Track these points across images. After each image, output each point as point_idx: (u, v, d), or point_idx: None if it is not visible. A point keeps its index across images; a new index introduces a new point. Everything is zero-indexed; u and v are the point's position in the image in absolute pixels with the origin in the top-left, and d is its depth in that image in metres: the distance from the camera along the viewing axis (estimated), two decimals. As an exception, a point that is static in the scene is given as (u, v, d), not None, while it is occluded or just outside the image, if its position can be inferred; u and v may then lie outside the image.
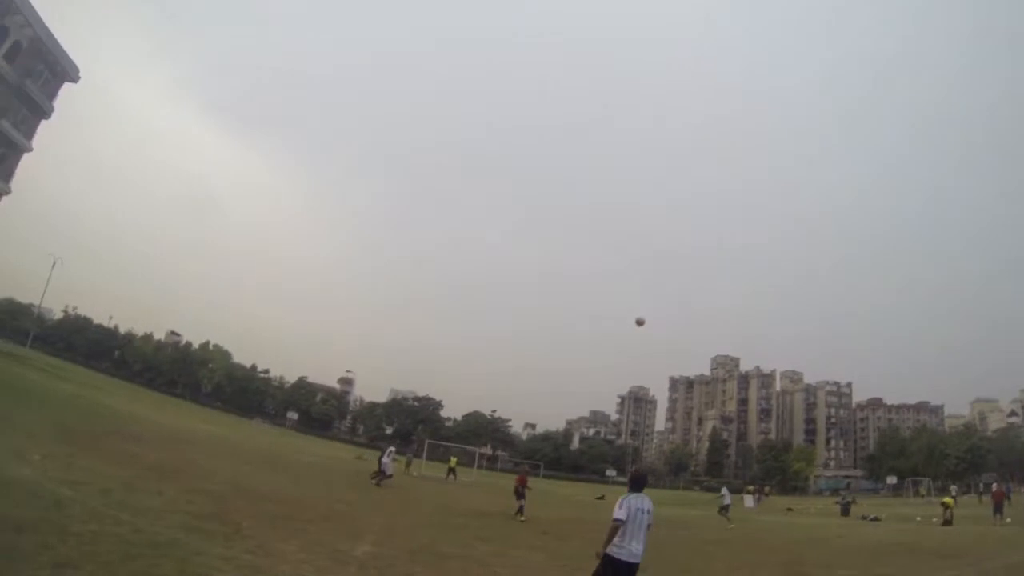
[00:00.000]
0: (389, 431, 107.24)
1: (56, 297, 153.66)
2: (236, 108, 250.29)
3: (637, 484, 7.08)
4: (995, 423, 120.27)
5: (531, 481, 22.08)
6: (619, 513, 6.46)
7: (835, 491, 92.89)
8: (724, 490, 29.04)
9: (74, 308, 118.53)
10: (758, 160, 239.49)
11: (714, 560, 13.83)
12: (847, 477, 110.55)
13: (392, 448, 27.20)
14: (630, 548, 6.37)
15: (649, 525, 6.61)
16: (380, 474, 23.14)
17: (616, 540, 6.44)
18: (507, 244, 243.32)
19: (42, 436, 13.19)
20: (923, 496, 52.52)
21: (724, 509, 26.47)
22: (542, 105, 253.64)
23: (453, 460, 38.19)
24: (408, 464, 37.14)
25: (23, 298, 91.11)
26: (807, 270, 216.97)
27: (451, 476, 35.34)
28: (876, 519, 30.79)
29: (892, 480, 79.14)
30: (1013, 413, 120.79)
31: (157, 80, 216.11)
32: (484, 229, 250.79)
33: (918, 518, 30.13)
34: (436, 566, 8.90)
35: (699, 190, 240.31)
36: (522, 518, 17.98)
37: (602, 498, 33.40)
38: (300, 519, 10.67)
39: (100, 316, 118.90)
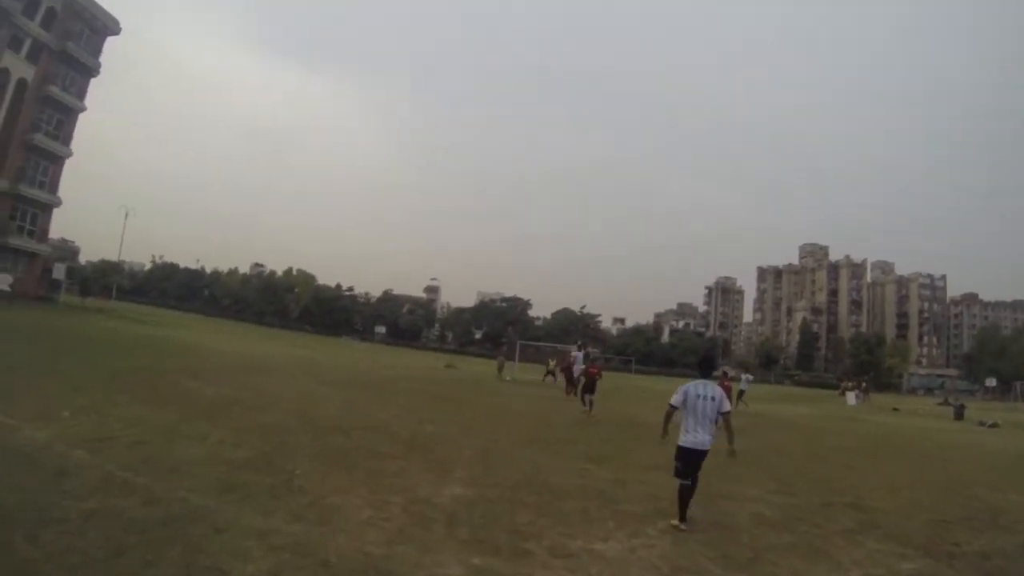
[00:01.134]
0: (478, 335, 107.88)
1: (144, 250, 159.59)
2: (289, 43, 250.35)
3: (704, 369, 7.39)
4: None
5: (623, 378, 23.22)
6: (675, 399, 6.78)
7: (929, 390, 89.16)
8: (744, 376, 29.18)
9: (160, 257, 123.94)
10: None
11: (859, 474, 11.56)
12: (941, 376, 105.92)
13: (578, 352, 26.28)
14: (694, 435, 6.63)
15: (724, 413, 6.81)
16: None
17: (685, 427, 6.72)
18: (585, 137, 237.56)
19: (90, 386, 11.62)
20: None
21: (740, 395, 26.61)
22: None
23: (552, 363, 36.47)
24: (500, 368, 35.73)
25: (114, 256, 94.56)
26: (897, 156, 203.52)
27: (550, 378, 34.07)
28: (995, 425, 28.24)
29: (992, 382, 74.18)
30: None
31: (206, 26, 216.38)
32: (562, 126, 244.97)
33: None
34: (549, 512, 6.76)
35: (779, 74, 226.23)
36: (590, 412, 18.06)
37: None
38: (374, 453, 8.86)
39: (188, 261, 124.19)
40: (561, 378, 29.14)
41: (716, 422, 6.81)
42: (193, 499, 5.85)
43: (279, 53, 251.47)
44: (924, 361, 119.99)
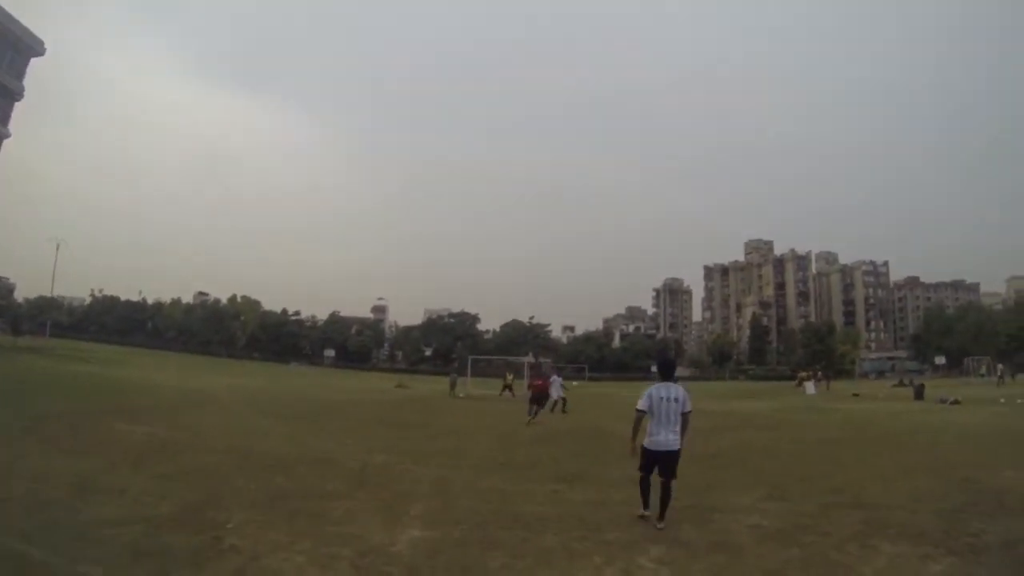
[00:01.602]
0: (428, 352, 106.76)
1: (83, 284, 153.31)
2: (230, 66, 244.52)
3: (664, 371, 7.48)
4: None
5: (581, 385, 22.37)
6: (641, 403, 6.94)
7: (880, 373, 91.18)
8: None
9: (100, 290, 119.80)
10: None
11: (846, 467, 10.99)
12: (891, 359, 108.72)
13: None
14: (658, 438, 6.80)
15: (684, 413, 6.90)
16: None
17: (650, 429, 6.87)
18: (520, 148, 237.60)
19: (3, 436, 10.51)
20: (983, 376, 48.96)
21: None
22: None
23: (509, 376, 35.42)
24: (453, 386, 34.78)
25: (50, 291, 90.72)
26: (833, 148, 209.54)
27: (507, 393, 32.85)
28: (956, 401, 28.18)
29: (941, 360, 75.93)
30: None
31: (142, 48, 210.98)
32: (502, 136, 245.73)
33: (1002, 399, 28.15)
34: (525, 551, 5.84)
35: (717, 74, 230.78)
36: (537, 420, 19.08)
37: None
38: (319, 492, 7.81)
39: (130, 293, 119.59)
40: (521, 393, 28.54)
41: (685, 417, 7.00)
42: (95, 574, 4.77)
43: (220, 77, 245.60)
44: (873, 345, 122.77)
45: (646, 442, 6.91)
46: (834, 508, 7.71)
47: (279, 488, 8.01)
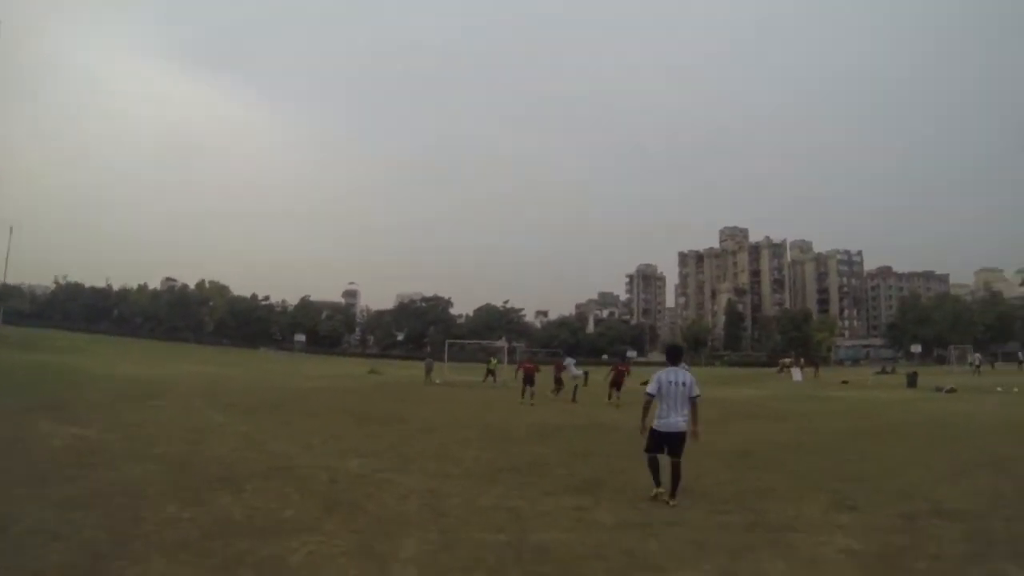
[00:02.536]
0: (400, 337, 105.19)
1: (47, 272, 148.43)
2: (197, 50, 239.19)
3: (672, 357, 7.75)
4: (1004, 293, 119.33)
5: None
6: (650, 388, 7.21)
7: (855, 360, 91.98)
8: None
9: (64, 277, 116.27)
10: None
11: (896, 466, 9.80)
12: (866, 346, 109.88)
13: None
14: (667, 420, 7.02)
15: (693, 397, 7.11)
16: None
17: (659, 412, 7.09)
18: (494, 135, 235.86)
19: None
20: (976, 366, 48.46)
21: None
22: None
23: (493, 361, 34.39)
24: (429, 371, 33.09)
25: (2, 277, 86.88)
26: (810, 139, 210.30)
27: (491, 378, 31.98)
28: (952, 390, 27.67)
29: (917, 348, 76.33)
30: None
31: (108, 28, 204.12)
32: (478, 119, 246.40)
33: (999, 388, 28.32)
34: None
35: (696, 62, 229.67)
36: (532, 403, 20.37)
37: (646, 383, 29.68)
38: (274, 525, 5.78)
39: (96, 280, 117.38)
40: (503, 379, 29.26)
41: (694, 401, 7.18)
42: None
43: (188, 60, 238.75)
44: (847, 333, 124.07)
45: (655, 424, 7.10)
46: (919, 519, 6.55)
47: (220, 517, 5.96)
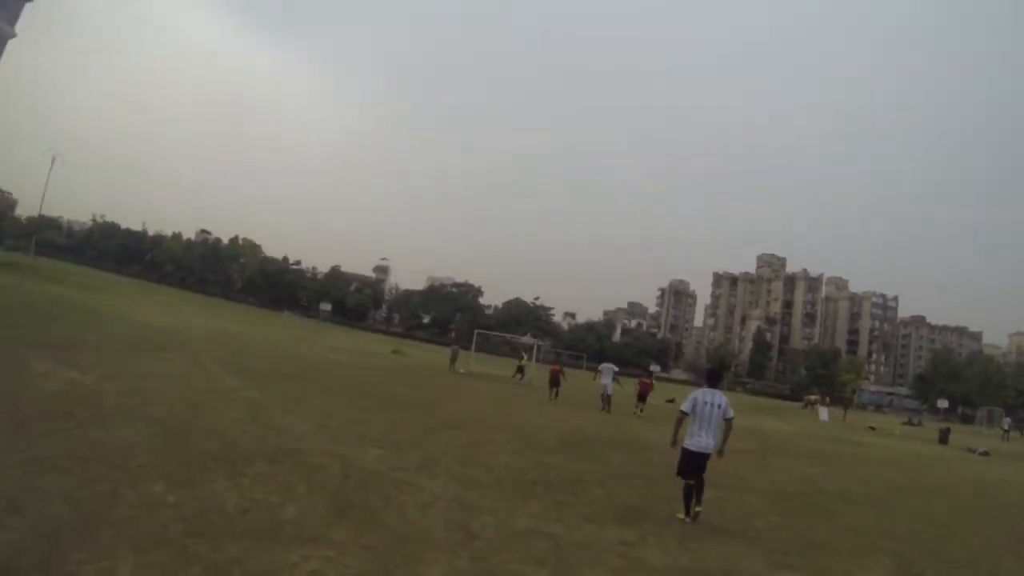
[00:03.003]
0: (426, 320, 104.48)
1: (87, 208, 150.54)
2: (255, 9, 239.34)
3: (711, 379, 7.78)
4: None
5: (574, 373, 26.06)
6: (685, 406, 7.25)
7: (878, 407, 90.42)
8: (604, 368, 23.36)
9: (102, 216, 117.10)
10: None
11: (952, 529, 9.26)
12: (891, 394, 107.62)
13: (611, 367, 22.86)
14: (699, 439, 7.09)
15: (727, 419, 7.20)
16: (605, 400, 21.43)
17: (691, 431, 7.15)
18: (547, 127, 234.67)
19: None
20: (1006, 430, 46.51)
21: (606, 399, 21.64)
22: None
23: (524, 358, 33.17)
24: (453, 360, 31.88)
25: (50, 211, 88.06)
26: (856, 177, 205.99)
27: (519, 376, 30.68)
28: (986, 453, 26.84)
29: (943, 403, 74.40)
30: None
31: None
32: (527, 114, 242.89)
33: None
34: None
35: (748, 86, 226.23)
36: (555, 401, 21.48)
37: (672, 401, 28.38)
38: (271, 528, 4.78)
39: (133, 222, 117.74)
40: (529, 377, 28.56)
41: (727, 423, 7.26)
42: None
43: (248, 17, 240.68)
44: (872, 377, 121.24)
45: (687, 443, 7.17)
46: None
47: (210, 507, 4.96)
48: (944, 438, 31.42)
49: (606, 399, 21.41)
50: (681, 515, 7.15)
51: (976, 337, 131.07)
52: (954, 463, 21.42)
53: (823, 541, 7.20)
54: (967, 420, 73.30)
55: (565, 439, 12.73)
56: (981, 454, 26.49)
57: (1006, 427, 46.74)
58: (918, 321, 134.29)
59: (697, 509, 7.05)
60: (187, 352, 16.24)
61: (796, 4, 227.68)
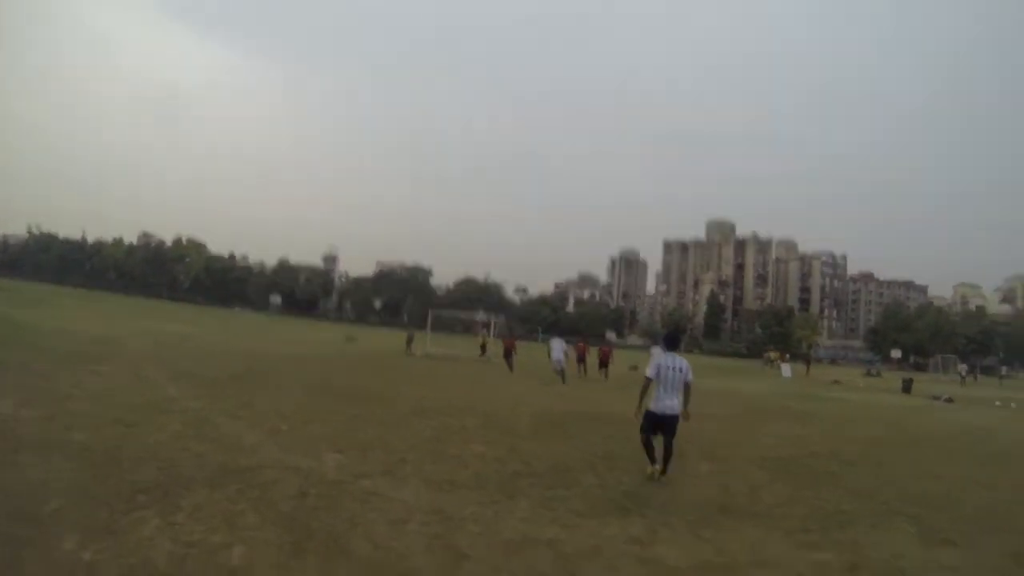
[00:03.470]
0: (378, 305, 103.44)
1: (22, 219, 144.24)
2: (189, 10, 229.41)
3: (670, 343, 8.06)
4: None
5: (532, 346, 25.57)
6: (650, 371, 7.46)
7: (833, 360, 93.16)
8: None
9: (38, 227, 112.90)
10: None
11: (961, 483, 8.94)
12: (845, 348, 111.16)
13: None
14: (664, 403, 7.28)
15: (687, 383, 7.38)
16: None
17: (656, 395, 7.32)
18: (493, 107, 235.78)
19: None
20: (963, 377, 48.10)
21: (561, 373, 21.70)
22: None
23: (484, 336, 34.21)
24: (410, 342, 31.49)
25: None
26: (799, 138, 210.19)
27: (484, 354, 31.39)
28: (950, 400, 27.12)
29: (896, 353, 77.65)
30: (1005, 300, 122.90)
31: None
32: (464, 92, 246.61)
33: (997, 402, 27.70)
34: None
35: (691, 48, 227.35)
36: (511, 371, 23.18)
37: (635, 368, 28.39)
38: (222, 563, 3.99)
39: (72, 231, 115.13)
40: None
41: (687, 386, 7.43)
42: None
43: (182, 19, 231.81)
44: (825, 333, 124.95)
45: (651, 406, 7.34)
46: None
47: (133, 564, 3.95)
48: (907, 387, 31.88)
49: (561, 373, 21.47)
50: (650, 468, 7.37)
51: (922, 290, 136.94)
52: (931, 412, 21.49)
53: (837, 511, 6.76)
54: (920, 368, 76.77)
55: (538, 420, 11.98)
56: (946, 400, 26.85)
57: (963, 373, 48.22)
58: (867, 277, 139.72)
59: (658, 467, 7.33)
60: (124, 361, 14.96)
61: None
